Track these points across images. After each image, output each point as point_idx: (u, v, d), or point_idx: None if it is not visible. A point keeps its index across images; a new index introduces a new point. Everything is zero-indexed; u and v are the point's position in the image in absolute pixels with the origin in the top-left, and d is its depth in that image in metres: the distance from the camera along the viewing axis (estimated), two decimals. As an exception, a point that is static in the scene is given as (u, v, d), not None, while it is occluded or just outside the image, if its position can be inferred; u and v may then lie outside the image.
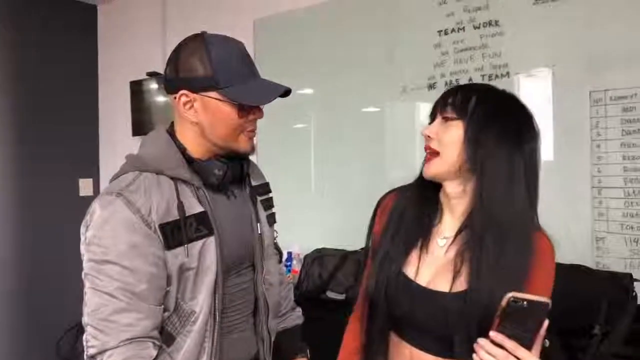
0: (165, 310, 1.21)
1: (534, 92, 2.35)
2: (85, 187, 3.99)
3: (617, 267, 2.11)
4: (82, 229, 1.19)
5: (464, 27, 2.52)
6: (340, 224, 2.81)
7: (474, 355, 1.00)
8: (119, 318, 1.13)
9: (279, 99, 1.27)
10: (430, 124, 1.22)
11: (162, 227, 1.17)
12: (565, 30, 2.25)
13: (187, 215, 1.21)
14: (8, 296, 3.57)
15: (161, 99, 3.63)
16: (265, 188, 1.50)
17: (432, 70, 2.60)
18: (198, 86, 1.21)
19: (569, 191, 2.24)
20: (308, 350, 1.57)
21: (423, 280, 1.19)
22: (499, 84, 2.31)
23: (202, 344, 1.24)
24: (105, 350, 1.13)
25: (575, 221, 2.21)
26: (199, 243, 1.22)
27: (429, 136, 1.19)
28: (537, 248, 1.12)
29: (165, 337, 1.22)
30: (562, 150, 2.26)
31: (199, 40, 1.23)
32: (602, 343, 1.89)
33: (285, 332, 1.56)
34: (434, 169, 1.18)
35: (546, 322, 0.98)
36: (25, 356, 3.59)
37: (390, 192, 1.35)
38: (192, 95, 1.22)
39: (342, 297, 2.61)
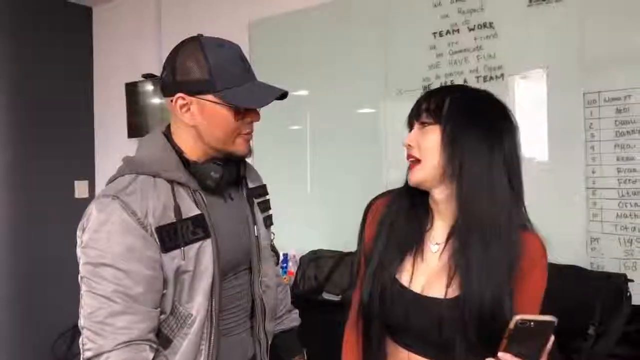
0: (161, 312, 1.21)
1: (529, 93, 2.36)
2: (80, 189, 3.98)
3: (612, 267, 2.12)
4: (79, 232, 1.19)
5: (458, 29, 2.53)
6: (336, 226, 2.81)
7: None
8: (116, 321, 1.13)
9: (274, 101, 1.27)
10: (410, 131, 1.22)
11: (159, 229, 1.17)
12: (559, 32, 2.26)
13: (183, 218, 1.21)
14: (3, 298, 3.55)
15: (156, 100, 3.63)
16: (262, 190, 1.50)
17: (427, 71, 2.61)
18: (195, 89, 1.21)
19: (563, 192, 2.25)
20: (305, 352, 1.58)
21: (417, 286, 1.19)
22: (494, 86, 2.36)
23: (198, 346, 1.24)
24: (101, 354, 1.13)
25: (570, 222, 2.22)
26: (196, 246, 1.22)
27: (409, 145, 1.19)
28: (528, 250, 1.12)
29: (162, 339, 1.22)
30: (557, 152, 2.27)
31: (196, 43, 1.23)
32: (597, 343, 1.90)
33: (282, 334, 1.57)
34: (417, 177, 1.18)
35: (552, 339, 0.99)
36: (20, 357, 3.57)
37: (378, 196, 1.34)
38: (189, 98, 1.22)
39: (338, 298, 2.61)
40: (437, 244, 1.21)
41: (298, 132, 3.10)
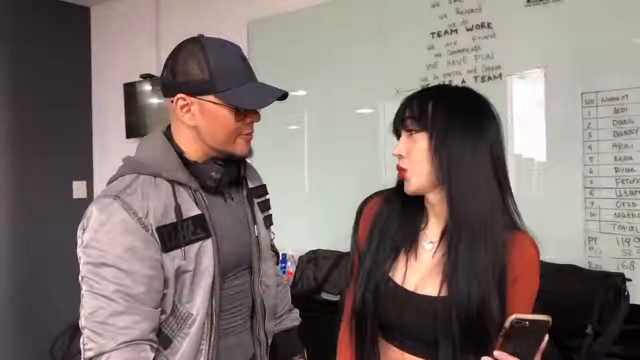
0: (162, 312, 1.21)
1: (527, 93, 2.37)
2: (79, 189, 3.97)
3: (609, 267, 2.12)
4: (79, 232, 1.19)
5: (456, 29, 2.53)
6: (334, 226, 2.80)
7: None
8: (117, 321, 1.13)
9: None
10: (398, 138, 1.21)
11: (160, 229, 1.18)
12: (557, 32, 2.27)
13: (184, 217, 1.21)
14: (1, 298, 3.55)
15: (155, 101, 3.62)
16: (262, 190, 1.50)
17: (425, 71, 2.61)
18: (195, 90, 1.22)
19: (561, 192, 2.26)
20: (305, 352, 1.58)
21: (411, 285, 1.20)
22: (492, 86, 2.37)
23: (199, 346, 1.25)
24: (102, 353, 1.13)
25: (568, 221, 2.23)
26: (196, 246, 1.22)
27: (400, 155, 1.19)
28: (519, 250, 1.13)
29: (162, 339, 1.23)
30: (554, 151, 2.28)
31: (196, 44, 1.23)
32: (595, 342, 1.91)
33: (282, 334, 1.57)
34: (412, 187, 1.18)
35: (546, 338, 1.00)
36: (19, 357, 3.57)
37: (372, 196, 1.34)
38: (190, 99, 1.22)
39: (336, 298, 2.61)
40: (431, 242, 1.22)
41: (296, 132, 3.10)
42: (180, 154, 1.28)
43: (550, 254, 1.93)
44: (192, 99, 1.22)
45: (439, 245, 1.19)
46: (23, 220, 3.65)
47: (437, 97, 1.18)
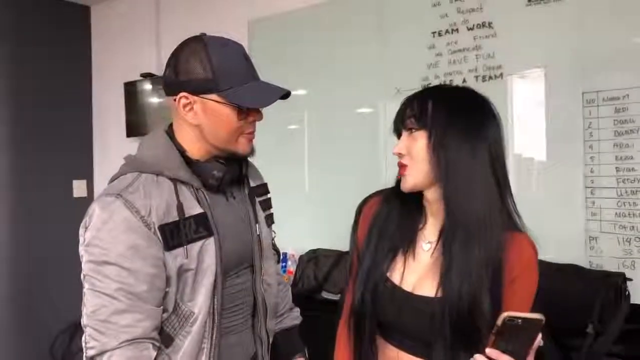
0: (164, 311, 1.21)
1: (527, 93, 2.37)
2: (79, 188, 3.97)
3: (610, 266, 2.12)
4: (81, 230, 1.19)
5: (457, 29, 2.53)
6: (334, 225, 2.80)
7: None
8: (119, 319, 1.13)
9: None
10: (398, 138, 1.22)
11: (162, 228, 1.18)
12: (558, 32, 2.27)
13: (186, 216, 1.21)
14: (1, 297, 3.55)
15: (155, 100, 3.62)
16: (263, 189, 1.50)
17: (426, 71, 2.61)
18: (198, 88, 1.21)
19: (562, 191, 2.26)
20: (306, 350, 1.58)
21: (408, 285, 1.20)
22: (492, 85, 2.37)
23: (200, 345, 1.25)
24: (104, 352, 1.13)
25: (569, 221, 2.23)
26: (198, 244, 1.23)
27: (400, 153, 1.19)
28: (517, 251, 1.13)
29: (164, 338, 1.23)
30: (555, 151, 2.28)
31: (199, 43, 1.23)
32: (595, 342, 1.91)
33: (283, 333, 1.57)
34: (409, 184, 1.18)
35: (540, 336, 1.01)
36: (19, 356, 3.57)
37: (371, 195, 1.35)
38: (192, 98, 1.22)
39: (337, 297, 2.61)
40: (429, 242, 1.22)
41: (296, 132, 3.10)
42: (182, 152, 1.28)
43: (551, 254, 1.94)
44: (195, 97, 1.22)
45: (436, 245, 1.19)
46: (23, 219, 3.65)
47: (438, 96, 1.19)
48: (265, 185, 1.52)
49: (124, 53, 3.91)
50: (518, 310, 1.02)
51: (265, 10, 3.17)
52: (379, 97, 2.78)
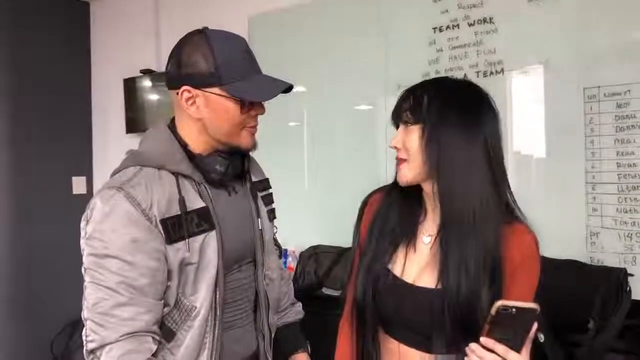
0: (165, 305, 1.21)
1: (528, 88, 2.36)
2: (78, 185, 3.96)
3: (611, 262, 2.12)
4: (82, 224, 1.18)
5: (458, 24, 2.52)
6: (335, 221, 2.81)
7: (466, 359, 1.03)
8: (120, 312, 1.13)
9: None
10: (397, 129, 1.22)
11: (164, 221, 1.18)
12: (559, 27, 2.26)
13: (188, 210, 1.21)
14: (1, 295, 3.54)
15: (155, 96, 3.61)
16: (265, 184, 1.50)
17: (427, 67, 2.60)
18: (200, 82, 1.21)
19: (563, 187, 2.25)
20: (309, 345, 1.58)
21: (409, 277, 1.20)
22: (493, 81, 2.37)
23: (202, 339, 1.25)
24: (105, 345, 1.13)
25: (570, 217, 2.22)
26: (200, 238, 1.22)
27: (395, 146, 1.20)
28: (517, 242, 1.13)
29: (165, 332, 1.22)
30: (556, 146, 2.27)
31: (201, 36, 1.22)
32: (597, 338, 1.90)
33: (285, 327, 1.57)
34: (405, 177, 1.18)
35: (535, 326, 1.00)
36: (19, 354, 3.57)
37: (374, 191, 1.35)
38: (195, 91, 1.22)
39: (337, 293, 2.61)
40: (429, 235, 1.22)
41: (296, 129, 3.09)
42: (184, 146, 1.27)
43: (552, 250, 1.93)
44: (197, 91, 1.22)
45: (436, 238, 1.19)
46: (22, 215, 3.64)
47: (434, 90, 1.18)
48: (267, 180, 1.52)
49: (124, 49, 3.90)
50: (521, 299, 1.02)
51: (265, 6, 3.16)
52: (379, 93, 2.77)
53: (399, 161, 1.20)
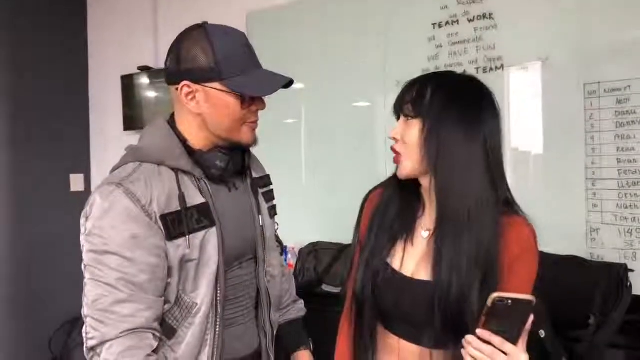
0: (166, 302, 1.21)
1: (528, 84, 2.35)
2: (76, 182, 3.95)
3: (612, 258, 2.12)
4: (82, 220, 1.18)
5: (458, 20, 2.52)
6: (334, 218, 2.80)
7: (463, 351, 1.02)
8: (120, 309, 1.12)
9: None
10: (397, 120, 1.22)
11: (164, 217, 1.17)
12: (559, 23, 2.25)
13: (188, 206, 1.20)
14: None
15: (152, 93, 3.60)
16: (266, 180, 1.49)
17: (426, 63, 2.60)
18: (200, 77, 1.20)
19: (563, 183, 2.25)
20: (311, 342, 1.57)
21: (407, 270, 1.21)
22: (493, 77, 2.36)
23: (204, 336, 1.24)
24: (105, 342, 1.12)
25: (570, 213, 2.22)
26: (201, 234, 1.22)
27: (394, 137, 1.19)
28: (515, 236, 1.13)
29: (166, 329, 1.22)
30: (557, 142, 2.27)
31: (201, 31, 1.21)
32: (597, 333, 1.90)
33: (287, 325, 1.56)
34: (404, 171, 1.19)
35: (531, 317, 1.00)
36: (18, 352, 3.56)
37: (376, 187, 1.35)
38: (195, 87, 1.21)
39: (337, 290, 2.60)
40: (427, 230, 1.22)
41: (293, 126, 3.08)
42: (184, 142, 1.26)
43: (552, 246, 1.92)
44: (197, 86, 1.21)
45: (434, 232, 1.18)
46: (20, 213, 3.62)
47: (437, 84, 1.17)
48: (267, 176, 1.51)
49: (121, 46, 3.88)
50: (520, 290, 1.02)
51: (263, 3, 3.15)
52: (378, 90, 2.76)
53: (396, 155, 1.20)
